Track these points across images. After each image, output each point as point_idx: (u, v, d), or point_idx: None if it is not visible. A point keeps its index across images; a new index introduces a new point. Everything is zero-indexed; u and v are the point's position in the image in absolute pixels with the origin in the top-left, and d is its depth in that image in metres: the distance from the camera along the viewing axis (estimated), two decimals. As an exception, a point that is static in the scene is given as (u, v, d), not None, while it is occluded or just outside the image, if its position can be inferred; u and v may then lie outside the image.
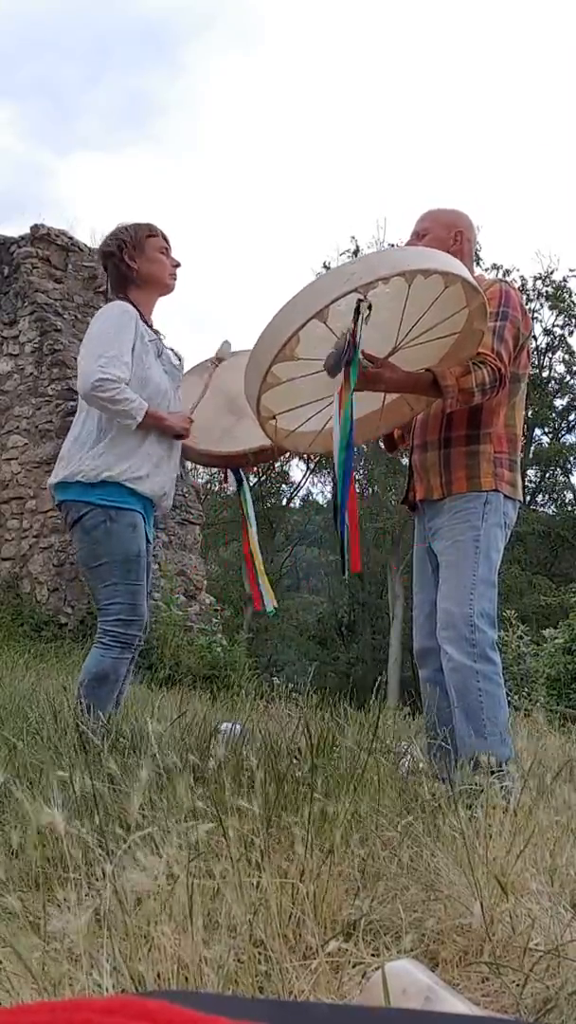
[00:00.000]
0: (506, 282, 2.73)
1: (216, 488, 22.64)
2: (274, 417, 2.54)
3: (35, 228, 10.82)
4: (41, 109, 60.23)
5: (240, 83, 53.15)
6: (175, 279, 2.94)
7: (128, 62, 57.79)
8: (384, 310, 2.24)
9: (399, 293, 2.22)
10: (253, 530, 3.04)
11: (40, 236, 10.78)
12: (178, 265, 2.94)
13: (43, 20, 59.02)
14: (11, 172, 55.83)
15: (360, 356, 2.29)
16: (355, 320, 2.21)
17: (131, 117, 60.67)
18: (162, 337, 2.96)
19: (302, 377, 2.38)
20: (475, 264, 2.93)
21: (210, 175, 57.76)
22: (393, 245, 24.65)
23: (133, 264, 2.84)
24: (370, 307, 2.19)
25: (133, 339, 2.74)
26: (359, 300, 2.17)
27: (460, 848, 1.44)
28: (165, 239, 2.92)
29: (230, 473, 3.11)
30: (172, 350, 3.02)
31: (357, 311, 2.20)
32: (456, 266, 2.24)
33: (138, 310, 2.82)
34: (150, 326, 2.89)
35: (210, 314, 51.80)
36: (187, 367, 3.23)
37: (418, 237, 2.76)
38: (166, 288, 2.93)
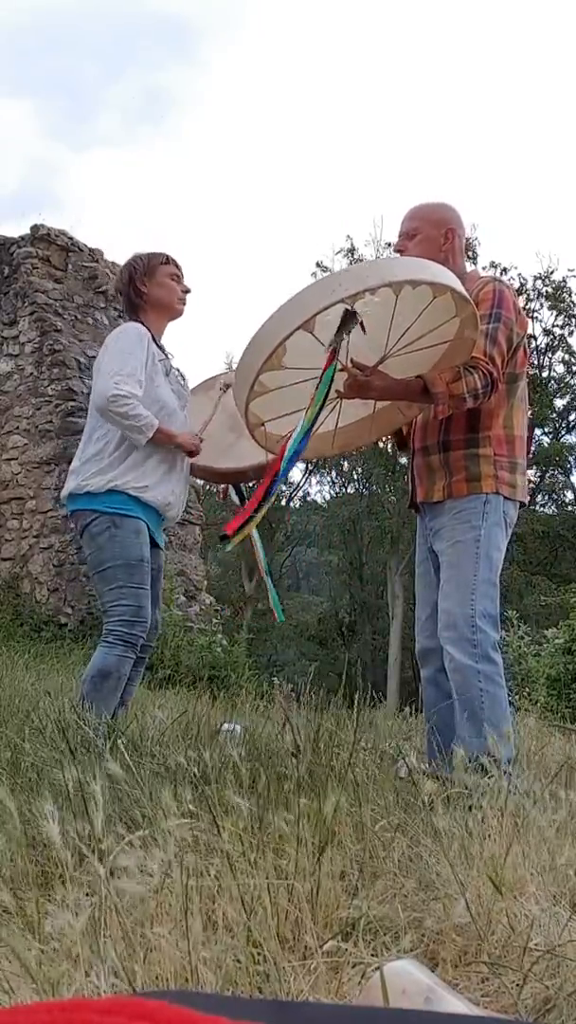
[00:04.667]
0: (500, 281, 2.69)
1: (215, 491, 22.60)
2: (263, 424, 2.56)
3: (35, 228, 10.81)
4: (59, 105, 60.27)
5: (242, 80, 53.21)
6: (184, 304, 3.08)
7: (148, 58, 57.77)
8: (373, 319, 2.25)
9: (387, 303, 2.22)
10: (259, 547, 3.11)
11: (40, 236, 10.77)
12: (188, 291, 3.08)
13: (63, 15, 58.99)
14: (26, 169, 56.04)
15: (338, 368, 2.32)
16: (338, 331, 2.23)
17: (148, 114, 60.74)
18: (171, 357, 3.08)
19: (291, 385, 2.41)
20: (468, 261, 2.92)
21: (212, 171, 57.79)
22: (390, 244, 24.65)
23: (143, 288, 3.00)
24: (362, 324, 2.20)
25: (145, 358, 2.88)
26: (346, 310, 2.18)
27: (456, 847, 1.44)
28: (177, 267, 3.06)
29: (231, 490, 3.21)
30: (177, 370, 3.13)
31: (343, 321, 2.21)
32: (445, 276, 2.24)
33: (149, 331, 2.95)
34: (160, 347, 3.01)
35: (209, 311, 51.81)
36: (183, 365, 3.31)
37: (408, 237, 2.71)
38: (175, 312, 3.07)
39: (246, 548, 3.18)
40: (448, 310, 2.32)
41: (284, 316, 2.16)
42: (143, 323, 2.97)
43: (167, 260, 3.04)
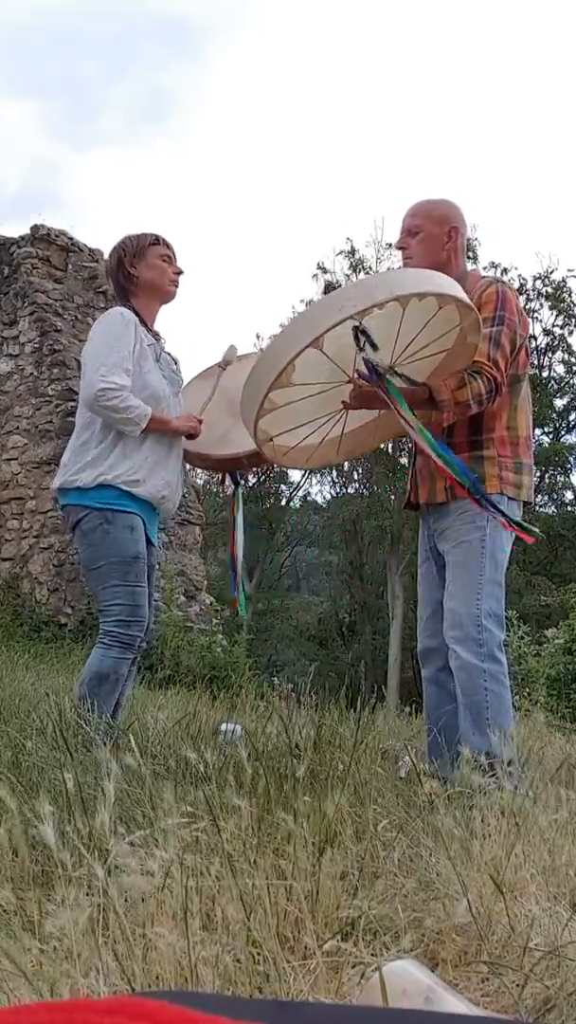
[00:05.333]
0: (502, 282, 2.69)
1: (215, 489, 22.63)
2: (271, 439, 2.55)
3: (35, 228, 10.81)
4: (62, 105, 60.22)
5: (244, 79, 53.22)
6: (176, 286, 2.96)
7: (150, 58, 57.74)
8: (380, 330, 2.26)
9: (394, 314, 2.23)
10: (240, 535, 3.07)
11: (40, 236, 10.77)
12: (180, 273, 2.96)
13: (65, 15, 58.94)
14: (29, 169, 56.07)
15: (345, 380, 2.33)
16: (358, 350, 2.24)
17: (150, 113, 60.72)
18: (163, 342, 2.99)
19: (299, 400, 2.41)
20: (468, 261, 2.91)
21: (214, 171, 57.79)
22: (391, 245, 24.67)
23: (133, 271, 2.88)
24: (371, 341, 2.20)
25: (132, 344, 2.76)
26: (355, 326, 2.19)
27: (457, 847, 1.44)
28: (168, 247, 2.94)
29: (228, 477, 3.15)
30: (169, 355, 3.05)
31: (358, 338, 2.21)
32: (449, 286, 2.24)
33: (139, 316, 2.85)
34: (151, 331, 2.91)
35: (207, 312, 51.81)
36: (184, 366, 3.27)
37: (410, 234, 2.70)
38: (166, 295, 2.95)
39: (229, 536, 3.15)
40: (452, 319, 2.33)
41: (293, 334, 2.16)
42: (133, 308, 2.86)
43: (157, 240, 2.91)
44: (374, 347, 2.22)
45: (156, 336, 2.96)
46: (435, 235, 2.67)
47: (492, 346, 2.51)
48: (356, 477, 26.41)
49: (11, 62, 57.72)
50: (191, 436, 2.86)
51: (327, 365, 2.31)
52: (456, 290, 2.25)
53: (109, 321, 2.80)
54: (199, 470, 3.30)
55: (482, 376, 2.48)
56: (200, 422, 2.87)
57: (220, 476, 3.27)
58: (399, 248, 2.77)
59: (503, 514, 2.39)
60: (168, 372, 2.94)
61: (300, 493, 29.31)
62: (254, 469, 4.63)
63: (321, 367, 2.32)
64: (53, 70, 59.57)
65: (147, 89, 59.48)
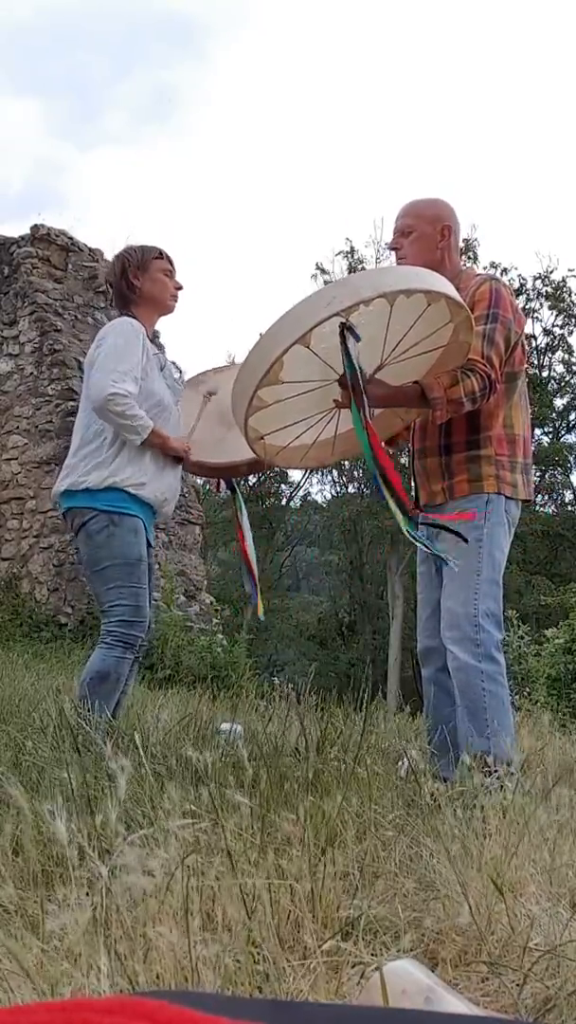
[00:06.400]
0: (496, 279, 2.68)
1: (212, 491, 22.61)
2: (262, 437, 2.55)
3: (35, 228, 10.81)
4: (65, 104, 60.11)
5: (246, 78, 53.23)
6: (176, 300, 3.07)
7: (154, 57, 57.66)
8: (369, 327, 2.25)
9: (383, 312, 2.22)
10: (249, 540, 3.11)
11: (40, 236, 10.77)
12: (180, 288, 3.07)
13: (68, 15, 58.74)
14: (33, 168, 56.12)
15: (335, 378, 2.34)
16: (343, 348, 2.23)
17: (154, 112, 60.62)
18: (163, 350, 3.06)
19: (289, 398, 2.41)
20: (469, 262, 2.91)
21: (215, 170, 57.81)
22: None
23: (135, 282, 2.98)
24: (355, 333, 2.21)
25: (141, 354, 2.85)
26: (342, 323, 2.18)
27: (457, 847, 1.44)
28: (170, 262, 3.05)
29: (223, 483, 3.19)
30: (173, 363, 3.11)
31: (343, 336, 2.21)
32: (438, 283, 2.23)
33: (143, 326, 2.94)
34: (152, 342, 3.00)
35: (206, 311, 51.82)
36: (183, 366, 3.30)
37: (403, 234, 2.70)
38: (166, 308, 3.06)
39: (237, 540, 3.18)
40: (443, 316, 2.32)
41: (280, 332, 2.15)
42: (133, 316, 2.96)
43: (160, 255, 3.02)
44: (357, 339, 2.22)
45: (159, 346, 3.03)
46: (428, 234, 2.66)
47: (486, 343, 2.50)
48: (356, 477, 26.41)
49: (14, 62, 57.67)
50: (179, 460, 2.95)
51: (317, 363, 2.31)
52: (445, 287, 2.24)
53: (121, 330, 2.88)
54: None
55: (476, 374, 2.47)
56: (189, 448, 2.96)
57: (215, 482, 3.31)
58: (392, 249, 2.77)
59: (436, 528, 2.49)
60: (171, 381, 3.04)
61: (300, 493, 29.34)
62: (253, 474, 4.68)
63: (311, 365, 2.31)
64: (57, 69, 59.41)
65: (150, 88, 59.39)
